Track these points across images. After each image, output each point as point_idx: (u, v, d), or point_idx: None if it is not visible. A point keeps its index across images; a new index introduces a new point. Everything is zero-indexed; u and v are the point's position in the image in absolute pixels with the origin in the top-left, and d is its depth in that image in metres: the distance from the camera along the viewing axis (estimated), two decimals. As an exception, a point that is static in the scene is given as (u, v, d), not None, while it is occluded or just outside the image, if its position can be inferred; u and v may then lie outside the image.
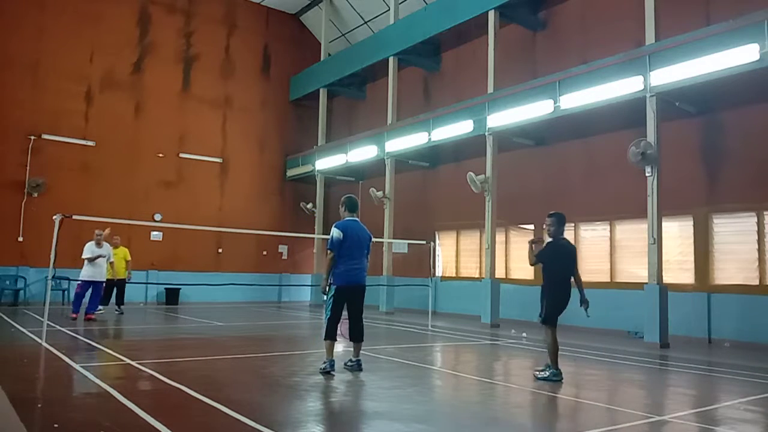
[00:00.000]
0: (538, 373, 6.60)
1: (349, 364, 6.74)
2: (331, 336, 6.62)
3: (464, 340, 10.60)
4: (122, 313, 13.58)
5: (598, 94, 11.48)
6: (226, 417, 4.56)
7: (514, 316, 13.99)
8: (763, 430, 4.89)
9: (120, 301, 14.01)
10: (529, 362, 8.59)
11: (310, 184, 20.92)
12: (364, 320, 6.98)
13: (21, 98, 16.89)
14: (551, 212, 6.82)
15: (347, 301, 6.79)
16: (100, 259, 12.19)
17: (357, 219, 6.89)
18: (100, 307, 12.76)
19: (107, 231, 12.85)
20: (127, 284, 14.10)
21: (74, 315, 11.98)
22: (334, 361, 6.57)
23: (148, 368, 6.67)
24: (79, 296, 12.14)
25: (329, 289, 6.71)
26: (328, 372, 6.41)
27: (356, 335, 6.84)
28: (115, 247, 13.50)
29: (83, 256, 12.12)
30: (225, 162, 20.54)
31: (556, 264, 6.62)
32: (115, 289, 13.73)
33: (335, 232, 6.65)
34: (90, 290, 12.15)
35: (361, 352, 6.91)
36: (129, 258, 13.99)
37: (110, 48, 18.45)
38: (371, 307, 17.57)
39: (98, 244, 12.28)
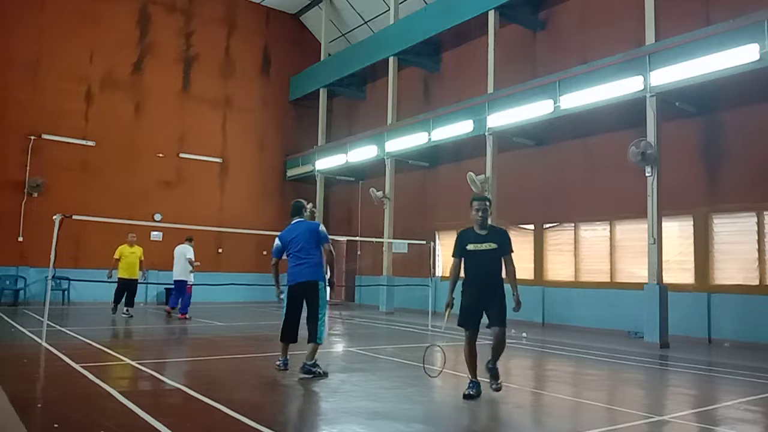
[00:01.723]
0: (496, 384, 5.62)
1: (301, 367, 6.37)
2: (282, 338, 6.61)
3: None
4: (131, 316, 12.98)
5: (598, 94, 11.48)
6: (226, 417, 4.56)
7: (513, 316, 13.97)
8: (763, 430, 4.89)
9: (130, 302, 13.25)
10: (529, 362, 8.60)
11: (310, 184, 20.90)
12: (327, 320, 6.78)
13: (21, 98, 16.89)
14: (483, 196, 6.07)
15: (303, 300, 6.61)
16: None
17: (302, 219, 6.89)
18: (126, 309, 13.11)
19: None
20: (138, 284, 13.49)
21: (187, 315, 13.08)
22: (287, 360, 6.60)
23: (148, 368, 6.68)
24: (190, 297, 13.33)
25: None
26: (281, 370, 6.50)
27: (288, 334, 6.58)
28: (131, 245, 13.19)
29: (191, 260, 13.16)
30: (225, 162, 20.54)
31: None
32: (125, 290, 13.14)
33: (275, 242, 6.79)
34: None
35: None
36: (143, 257, 13.51)
37: (110, 48, 18.45)
38: (371, 307, 17.60)
39: None
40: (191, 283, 13.24)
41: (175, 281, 13.22)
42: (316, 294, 6.48)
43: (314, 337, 6.41)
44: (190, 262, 13.14)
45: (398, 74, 17.70)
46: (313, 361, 6.34)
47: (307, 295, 6.51)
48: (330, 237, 6.82)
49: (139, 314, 14.53)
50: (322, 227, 6.81)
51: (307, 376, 6.26)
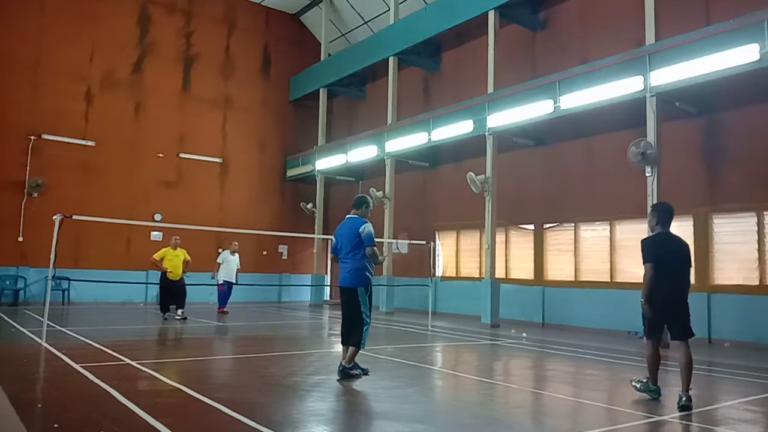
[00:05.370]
0: None
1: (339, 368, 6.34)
2: (341, 341, 6.50)
3: (464, 340, 10.60)
4: (185, 318, 12.61)
5: (598, 94, 11.48)
6: (226, 417, 4.56)
7: (514, 316, 14.01)
8: (763, 430, 4.89)
9: (181, 304, 12.95)
10: (528, 362, 8.61)
11: (310, 184, 20.92)
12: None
13: (21, 98, 16.89)
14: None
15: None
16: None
17: (353, 216, 6.51)
18: (180, 312, 12.83)
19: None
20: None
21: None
22: (342, 363, 6.36)
23: (148, 368, 6.67)
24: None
25: None
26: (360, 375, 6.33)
27: (343, 338, 6.45)
28: (174, 248, 12.98)
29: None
30: (225, 162, 20.54)
31: None
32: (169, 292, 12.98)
33: (333, 239, 6.64)
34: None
35: (360, 353, 6.77)
36: (189, 258, 13.23)
37: (110, 48, 18.45)
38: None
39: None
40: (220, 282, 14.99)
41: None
42: (355, 300, 6.27)
43: (356, 341, 6.23)
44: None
45: (398, 74, 17.70)
46: (352, 365, 6.24)
47: (346, 299, 6.37)
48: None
49: (139, 314, 14.55)
50: (365, 227, 6.28)
51: (344, 378, 6.15)
